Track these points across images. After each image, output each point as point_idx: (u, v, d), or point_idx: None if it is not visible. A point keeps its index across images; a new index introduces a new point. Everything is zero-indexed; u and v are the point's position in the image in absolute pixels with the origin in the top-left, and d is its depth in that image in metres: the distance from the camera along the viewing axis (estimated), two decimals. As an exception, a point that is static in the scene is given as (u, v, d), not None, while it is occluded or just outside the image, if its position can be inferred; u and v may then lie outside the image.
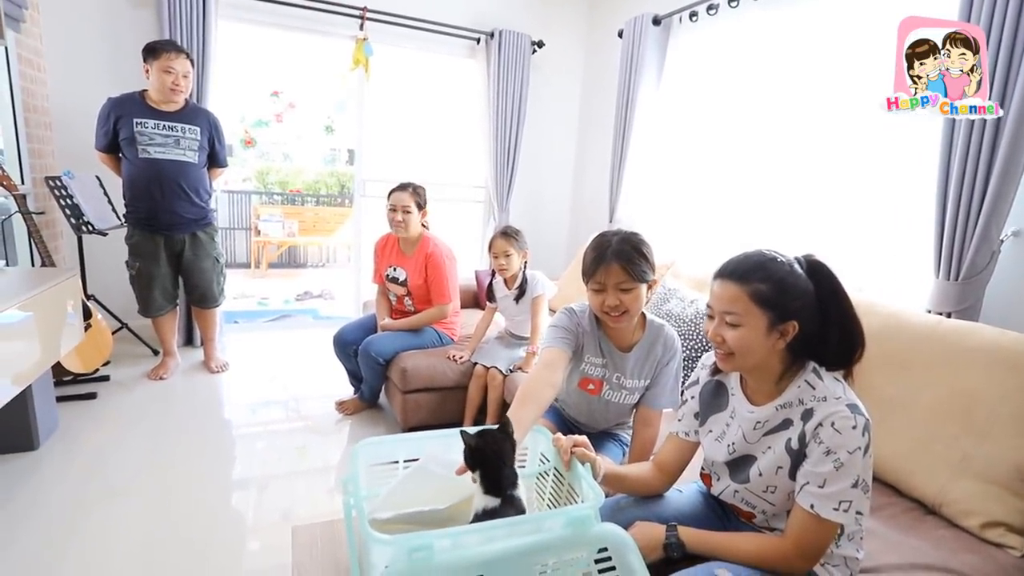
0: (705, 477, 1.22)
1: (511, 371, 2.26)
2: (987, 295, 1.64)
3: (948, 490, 1.32)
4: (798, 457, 1.00)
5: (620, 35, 3.19)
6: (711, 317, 1.06)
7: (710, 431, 1.17)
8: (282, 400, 2.72)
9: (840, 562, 1.02)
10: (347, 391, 2.68)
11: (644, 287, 1.35)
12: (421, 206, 2.45)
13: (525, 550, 0.78)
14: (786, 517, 1.06)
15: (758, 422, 1.06)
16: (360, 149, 3.63)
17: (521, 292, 2.33)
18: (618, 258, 1.31)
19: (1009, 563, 1.18)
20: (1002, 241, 1.59)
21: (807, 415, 0.99)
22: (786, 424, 1.03)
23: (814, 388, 1.00)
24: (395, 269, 2.54)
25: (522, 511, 0.91)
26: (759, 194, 2.53)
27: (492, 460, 0.94)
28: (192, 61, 2.58)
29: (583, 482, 0.97)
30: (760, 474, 1.05)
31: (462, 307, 2.87)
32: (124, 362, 2.92)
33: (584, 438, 1.07)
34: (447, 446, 1.06)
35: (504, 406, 2.27)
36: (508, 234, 2.30)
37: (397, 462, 1.08)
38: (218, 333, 3.06)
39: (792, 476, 1.01)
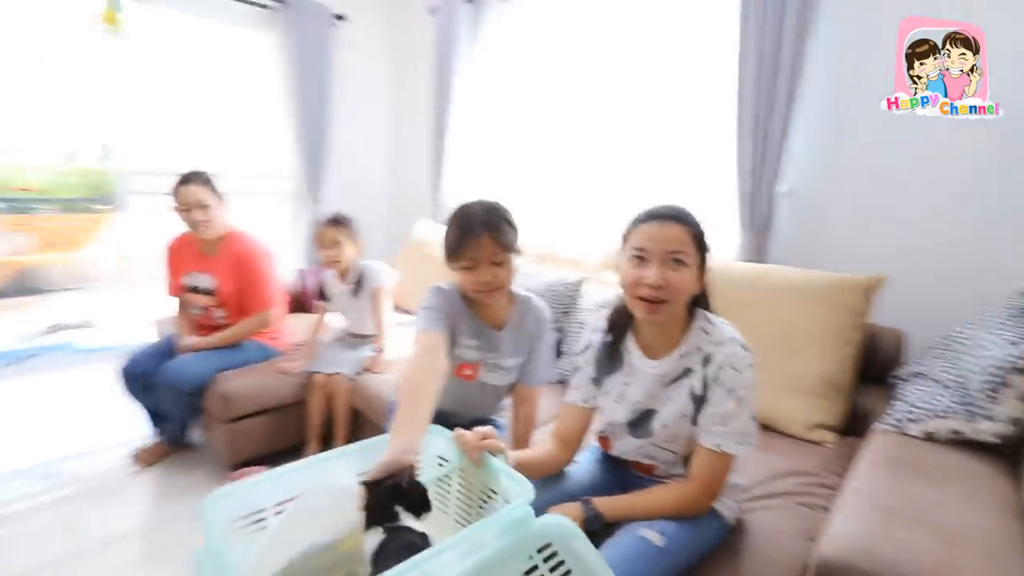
0: (603, 440, 1.22)
1: (358, 375, 2.03)
2: (774, 241, 1.95)
3: (778, 407, 1.53)
4: (701, 402, 1.03)
5: (431, 12, 3.07)
6: (642, 260, 1.01)
7: (607, 393, 1.16)
8: (41, 464, 2.05)
9: (731, 492, 1.10)
10: (142, 435, 2.13)
11: (514, 261, 1.28)
12: (219, 197, 2.03)
13: None
14: (684, 462, 1.11)
15: (661, 376, 1.07)
16: (120, 137, 2.90)
17: (359, 285, 2.09)
18: (487, 229, 1.20)
19: (829, 454, 1.43)
20: (778, 196, 1.90)
21: (706, 360, 1.02)
22: (686, 372, 1.05)
23: (708, 334, 1.04)
24: (196, 276, 2.08)
25: (420, 534, 0.78)
26: (584, 167, 2.65)
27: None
28: None
29: (502, 477, 0.86)
30: (664, 425, 1.07)
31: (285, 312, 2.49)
32: None
33: (490, 428, 0.96)
34: (327, 469, 0.86)
35: (354, 415, 2.03)
36: (338, 222, 2.03)
37: (264, 512, 0.83)
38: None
39: (694, 422, 1.04)
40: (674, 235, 1.00)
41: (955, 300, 1.60)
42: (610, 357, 1.16)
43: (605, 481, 1.19)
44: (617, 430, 1.15)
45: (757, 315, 1.61)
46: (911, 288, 1.67)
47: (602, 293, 2.01)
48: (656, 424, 1.08)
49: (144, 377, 1.99)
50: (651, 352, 1.10)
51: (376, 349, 2.05)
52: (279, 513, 0.83)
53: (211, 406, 1.96)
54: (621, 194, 2.50)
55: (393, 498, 0.78)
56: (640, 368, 1.10)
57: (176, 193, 1.97)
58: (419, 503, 0.80)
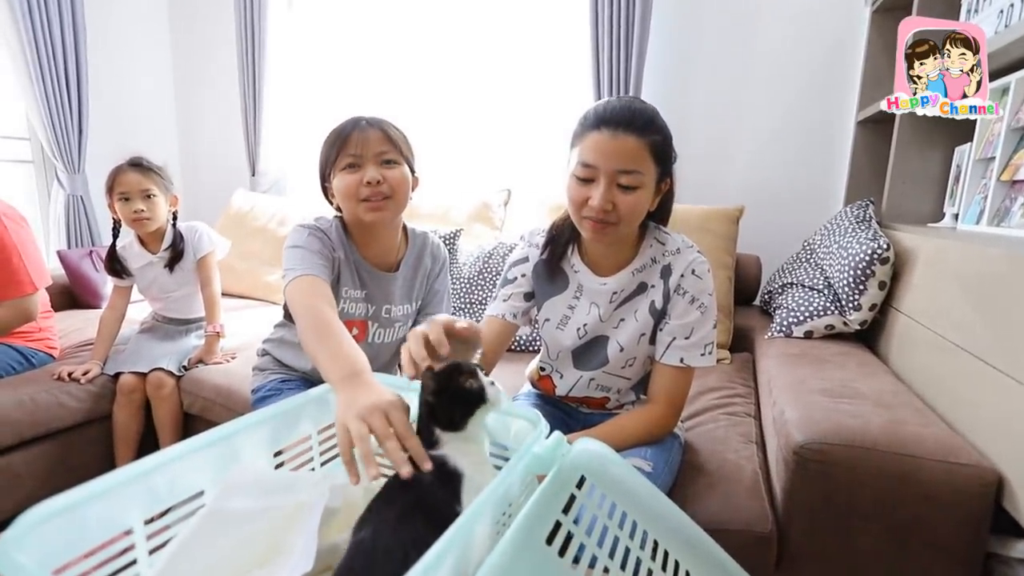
0: (544, 380, 1.07)
1: (186, 369, 1.55)
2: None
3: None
4: (661, 316, 0.94)
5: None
6: (588, 180, 0.85)
7: (547, 319, 1.01)
8: None
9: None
10: None
11: (408, 172, 1.05)
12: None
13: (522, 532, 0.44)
14: (635, 388, 1.02)
15: (615, 292, 0.96)
16: None
17: (177, 254, 1.59)
18: (374, 125, 1.01)
19: (730, 368, 1.50)
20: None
21: (666, 272, 0.94)
22: (643, 288, 0.96)
23: (664, 244, 0.96)
24: None
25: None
26: (439, 122, 2.43)
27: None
28: None
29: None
30: (621, 349, 0.96)
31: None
32: None
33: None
34: (228, 453, 0.56)
35: (185, 420, 1.56)
36: (144, 166, 1.51)
37: (131, 537, 0.50)
38: None
39: (653, 341, 0.96)
40: (627, 148, 0.82)
41: (794, 225, 1.84)
42: (550, 277, 1.01)
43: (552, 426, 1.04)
44: (560, 365, 1.02)
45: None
46: (759, 217, 1.85)
47: (480, 247, 1.86)
48: (611, 349, 0.97)
49: None
50: (600, 270, 0.98)
51: (210, 332, 1.58)
52: (151, 536, 0.51)
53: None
54: (480, 148, 2.37)
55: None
56: (589, 285, 0.98)
57: None
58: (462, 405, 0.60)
